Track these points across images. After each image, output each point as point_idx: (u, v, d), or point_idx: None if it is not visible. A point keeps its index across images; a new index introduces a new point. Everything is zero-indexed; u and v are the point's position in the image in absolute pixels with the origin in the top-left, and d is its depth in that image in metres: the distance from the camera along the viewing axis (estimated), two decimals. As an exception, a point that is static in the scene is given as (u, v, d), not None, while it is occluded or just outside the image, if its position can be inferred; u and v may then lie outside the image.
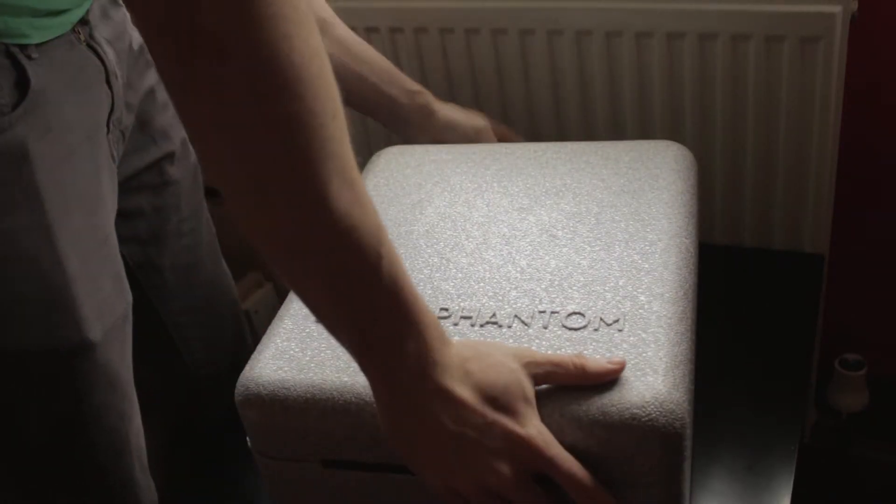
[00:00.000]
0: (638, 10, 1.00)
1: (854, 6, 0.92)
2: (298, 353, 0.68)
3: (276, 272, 0.55)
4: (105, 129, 0.77)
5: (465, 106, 1.06)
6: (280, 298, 1.46)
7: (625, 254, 0.73)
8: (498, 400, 0.57)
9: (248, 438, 0.70)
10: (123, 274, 0.79)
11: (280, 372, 0.67)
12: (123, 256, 0.88)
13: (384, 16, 1.13)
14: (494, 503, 0.59)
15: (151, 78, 0.86)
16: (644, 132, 1.08)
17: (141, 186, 0.87)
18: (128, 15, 0.83)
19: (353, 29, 1.15)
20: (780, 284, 1.04)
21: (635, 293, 0.68)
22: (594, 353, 0.64)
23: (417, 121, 1.00)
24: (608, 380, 0.61)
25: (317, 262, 0.51)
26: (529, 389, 0.59)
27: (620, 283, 0.69)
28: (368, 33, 1.15)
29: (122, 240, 0.86)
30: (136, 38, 0.84)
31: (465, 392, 0.56)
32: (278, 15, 0.45)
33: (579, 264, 0.72)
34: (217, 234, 1.04)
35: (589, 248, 0.74)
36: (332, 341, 0.61)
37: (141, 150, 0.86)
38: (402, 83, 1.00)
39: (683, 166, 0.85)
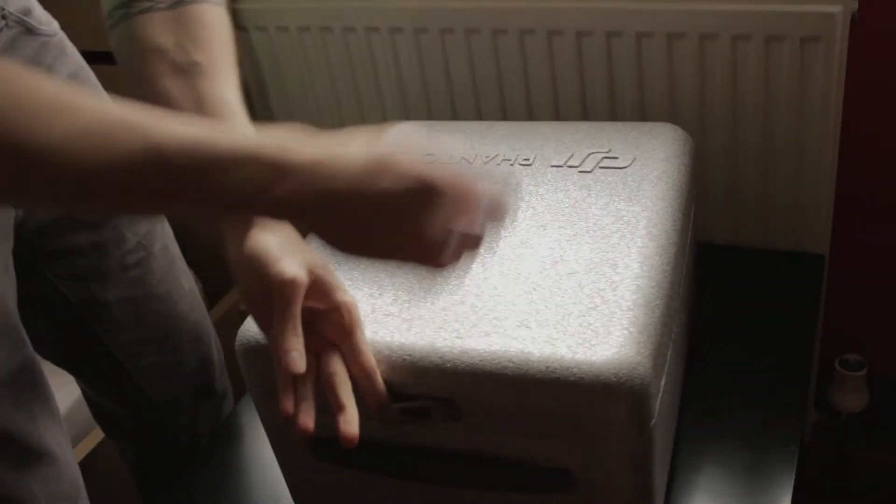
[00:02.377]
0: (638, 10, 1.00)
1: (854, 6, 0.92)
2: None
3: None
4: None
5: (465, 105, 1.05)
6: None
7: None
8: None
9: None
10: (12, 326, 0.76)
11: None
12: (64, 294, 0.85)
13: (384, 16, 1.13)
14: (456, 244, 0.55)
15: None
16: (644, 132, 1.08)
17: (76, 225, 0.84)
18: (50, 44, 0.79)
19: (353, 29, 1.15)
20: (780, 284, 1.04)
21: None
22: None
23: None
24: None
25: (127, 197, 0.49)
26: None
27: None
28: (368, 33, 1.15)
29: (60, 277, 0.84)
30: (63, 70, 0.80)
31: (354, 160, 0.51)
32: None
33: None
34: (211, 237, 1.03)
35: None
36: None
37: None
38: None
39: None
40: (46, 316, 0.90)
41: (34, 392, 0.77)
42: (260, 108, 1.34)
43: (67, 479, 0.79)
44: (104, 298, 0.89)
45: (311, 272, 0.60)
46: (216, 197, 0.49)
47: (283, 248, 0.60)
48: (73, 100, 0.46)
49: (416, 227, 0.53)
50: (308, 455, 0.71)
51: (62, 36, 0.83)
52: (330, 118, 1.29)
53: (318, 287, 0.61)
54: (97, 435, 1.20)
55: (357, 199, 0.51)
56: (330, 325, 0.62)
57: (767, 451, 0.83)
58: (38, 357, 0.79)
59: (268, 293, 0.59)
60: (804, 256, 1.08)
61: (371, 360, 0.63)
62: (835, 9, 0.92)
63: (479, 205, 0.55)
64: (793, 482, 0.79)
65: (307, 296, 0.59)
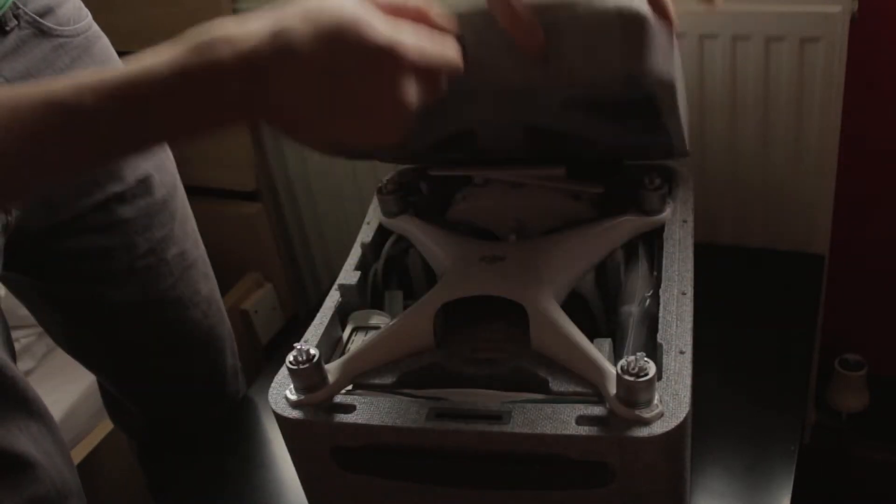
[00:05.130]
0: (638, 10, 1.00)
1: (854, 6, 0.92)
2: None
3: None
4: None
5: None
6: (280, 298, 1.46)
7: None
8: (328, 27, 0.48)
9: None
10: None
11: None
12: (72, 294, 0.85)
13: (384, 16, 1.12)
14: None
15: None
16: (644, 132, 1.08)
17: (84, 229, 0.83)
18: (69, 45, 0.77)
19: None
20: (781, 284, 1.04)
21: None
22: None
23: None
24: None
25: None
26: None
27: None
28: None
29: (67, 279, 0.83)
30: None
31: (296, 43, 0.47)
32: None
33: None
34: (216, 234, 1.02)
35: None
36: None
37: (82, 193, 0.82)
38: None
39: None
40: (54, 310, 0.90)
41: (6, 395, 0.74)
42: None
43: (48, 483, 0.76)
44: (111, 300, 0.88)
45: None
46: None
47: None
48: None
49: (375, 99, 0.49)
50: (332, 464, 0.70)
51: (90, 34, 0.81)
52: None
53: None
54: (101, 431, 1.20)
55: (313, 75, 0.48)
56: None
57: (767, 451, 0.82)
58: (10, 361, 0.75)
59: None
60: (804, 256, 1.08)
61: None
62: (835, 9, 0.92)
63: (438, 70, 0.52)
64: (793, 482, 0.79)
65: None
